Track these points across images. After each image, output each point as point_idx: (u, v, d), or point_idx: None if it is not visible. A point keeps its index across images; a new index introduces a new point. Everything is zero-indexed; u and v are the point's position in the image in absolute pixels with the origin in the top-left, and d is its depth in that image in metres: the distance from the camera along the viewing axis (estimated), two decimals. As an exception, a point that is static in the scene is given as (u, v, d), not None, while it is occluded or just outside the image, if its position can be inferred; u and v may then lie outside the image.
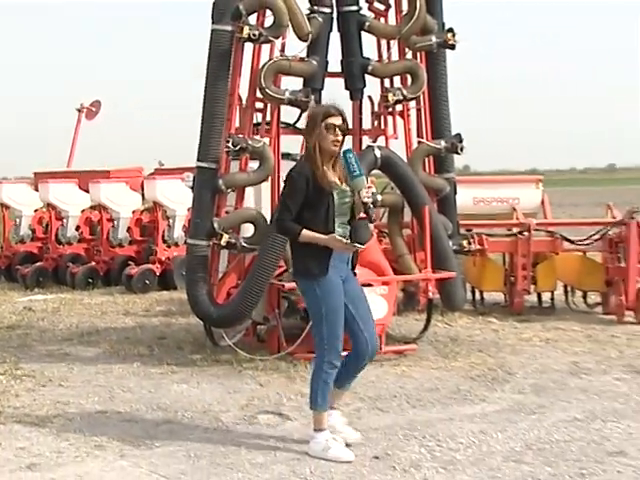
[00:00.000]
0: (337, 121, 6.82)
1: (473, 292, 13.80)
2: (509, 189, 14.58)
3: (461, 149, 11.08)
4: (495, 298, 13.99)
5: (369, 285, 10.10)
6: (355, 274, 7.16)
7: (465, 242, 11.47)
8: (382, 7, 11.18)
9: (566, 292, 13.93)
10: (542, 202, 14.68)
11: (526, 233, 13.07)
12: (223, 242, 10.07)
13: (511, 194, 14.37)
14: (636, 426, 7.68)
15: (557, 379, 9.37)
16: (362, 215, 6.94)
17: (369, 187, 6.75)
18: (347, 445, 7.03)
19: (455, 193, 11.46)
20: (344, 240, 6.73)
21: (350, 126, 6.93)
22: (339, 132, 6.81)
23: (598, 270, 13.29)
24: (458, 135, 11.12)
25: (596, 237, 13.23)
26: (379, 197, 6.87)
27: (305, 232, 6.78)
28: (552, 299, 13.82)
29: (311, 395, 7.06)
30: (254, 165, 10.31)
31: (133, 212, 17.88)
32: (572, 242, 13.35)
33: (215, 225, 10.09)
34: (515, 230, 13.36)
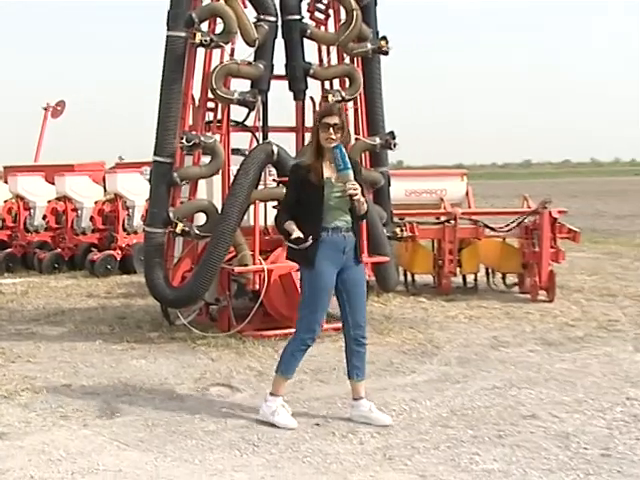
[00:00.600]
0: (332, 120, 6.76)
1: (405, 275, 13.83)
2: (437, 182, 14.64)
3: (394, 145, 11.17)
4: (425, 280, 14.05)
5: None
6: (360, 265, 7.10)
7: (398, 230, 11.54)
8: (322, 16, 11.19)
9: (487, 274, 14.06)
10: (466, 193, 14.76)
11: (452, 221, 13.15)
12: (178, 230, 10.02)
13: (439, 186, 14.42)
14: (547, 392, 7.82)
15: (479, 352, 9.45)
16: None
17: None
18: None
19: (389, 185, 11.51)
20: (296, 232, 6.70)
21: (341, 124, 6.76)
22: (332, 130, 6.74)
23: (515, 254, 13.42)
24: (391, 132, 11.20)
25: (514, 225, 13.35)
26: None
27: (287, 223, 6.82)
28: (475, 280, 13.90)
29: (279, 361, 7.10)
30: (206, 159, 10.27)
31: (95, 203, 17.79)
32: (493, 229, 13.45)
33: (170, 214, 10.05)
34: (443, 219, 13.42)
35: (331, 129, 6.75)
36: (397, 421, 7.04)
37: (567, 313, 11.75)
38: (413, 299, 12.87)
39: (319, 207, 6.78)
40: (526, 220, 13.20)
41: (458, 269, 13.51)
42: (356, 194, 6.67)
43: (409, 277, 13.94)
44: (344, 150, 6.74)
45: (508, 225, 13.45)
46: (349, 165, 6.68)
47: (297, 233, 6.73)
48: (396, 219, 12.13)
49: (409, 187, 14.35)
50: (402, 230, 11.82)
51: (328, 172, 6.83)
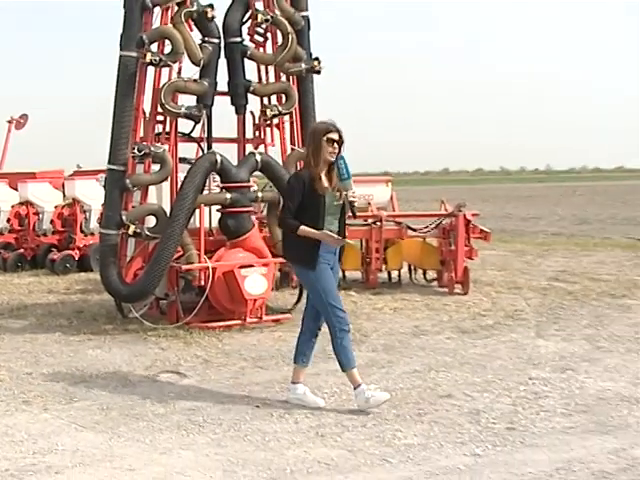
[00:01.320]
0: (335, 136, 6.79)
1: (336, 271, 13.86)
2: (365, 187, 14.63)
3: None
4: (354, 276, 14.08)
5: (251, 266, 10.15)
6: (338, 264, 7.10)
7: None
8: (261, 39, 11.18)
9: (410, 270, 14.13)
10: (391, 198, 14.82)
11: (378, 223, 13.21)
12: (130, 231, 10.01)
13: (366, 192, 14.43)
14: (461, 374, 7.89)
15: (402, 339, 9.51)
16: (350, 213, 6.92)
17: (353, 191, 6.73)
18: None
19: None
20: (335, 235, 6.73)
21: (340, 139, 6.81)
22: (336, 145, 6.79)
23: (434, 252, 13.51)
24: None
25: (433, 226, 13.45)
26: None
27: (303, 227, 6.76)
28: (399, 276, 13.98)
29: (338, 359, 6.96)
30: (156, 167, 10.23)
31: (55, 207, 17.60)
32: (414, 230, 13.54)
33: (123, 217, 10.01)
34: (370, 221, 13.45)
35: (335, 144, 6.78)
36: (329, 402, 7.06)
37: (479, 304, 11.85)
38: (344, 293, 12.79)
39: (320, 213, 6.79)
40: (444, 222, 13.30)
41: (384, 266, 13.55)
42: (356, 200, 6.79)
43: (340, 273, 13.96)
44: (347, 162, 6.75)
45: (428, 226, 13.54)
46: (351, 176, 6.72)
47: (332, 235, 6.74)
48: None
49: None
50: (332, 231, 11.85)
51: (327, 182, 6.84)
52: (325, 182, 6.85)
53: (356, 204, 6.82)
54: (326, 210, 6.83)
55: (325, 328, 7.00)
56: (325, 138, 6.79)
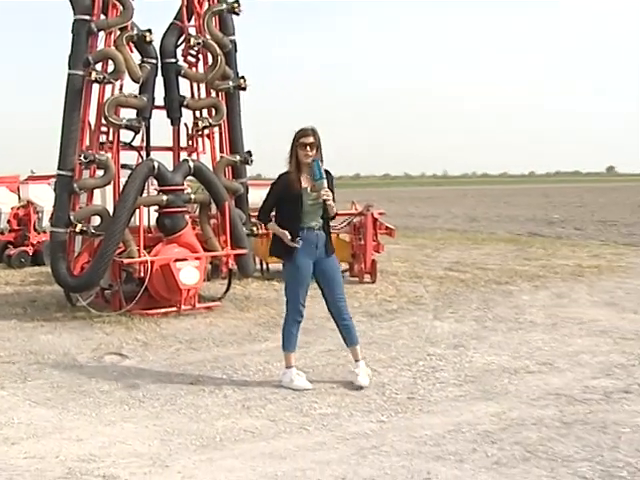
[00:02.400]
0: (307, 140, 6.63)
1: (261, 263, 13.85)
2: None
3: (251, 161, 11.31)
4: (277, 267, 14.06)
5: (185, 260, 10.10)
6: (333, 256, 6.97)
7: (255, 228, 11.61)
8: (193, 60, 11.18)
9: (325, 262, 14.15)
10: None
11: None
12: (77, 230, 9.87)
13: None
14: (369, 352, 7.92)
15: (318, 323, 9.49)
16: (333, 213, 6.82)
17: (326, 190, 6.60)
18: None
19: (247, 193, 11.56)
20: (287, 237, 6.63)
21: (315, 143, 6.68)
22: (309, 149, 6.64)
23: (347, 247, 13.53)
24: (249, 151, 11.31)
25: (345, 224, 13.51)
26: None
27: (271, 224, 6.86)
28: (316, 267, 13.99)
29: (282, 341, 6.96)
30: (100, 173, 10.13)
31: (12, 208, 17.28)
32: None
33: (71, 217, 9.89)
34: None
35: (307, 147, 6.65)
36: (254, 379, 7.07)
37: (385, 291, 11.93)
38: (268, 283, 12.89)
39: (298, 211, 6.69)
40: (354, 220, 13.36)
41: (302, 258, 13.57)
42: (329, 199, 6.61)
43: (264, 265, 13.96)
44: (320, 163, 6.63)
45: (341, 224, 13.60)
46: (324, 176, 6.58)
47: (287, 236, 6.66)
48: (254, 220, 12.15)
49: (264, 194, 14.28)
50: (258, 228, 11.89)
51: (305, 183, 6.74)
52: (305, 182, 6.74)
53: (329, 203, 6.65)
54: (303, 208, 6.71)
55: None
56: (299, 142, 6.67)
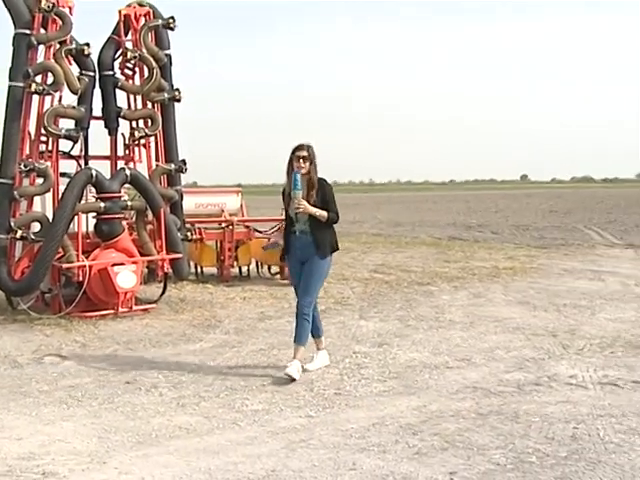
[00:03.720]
0: (301, 154, 6.94)
1: (196, 267, 13.78)
2: (219, 197, 14.61)
3: (185, 170, 11.31)
4: (211, 271, 14.03)
5: (122, 264, 10.01)
6: (320, 257, 7.07)
7: (189, 233, 11.61)
8: (130, 72, 11.12)
9: (257, 266, 14.18)
10: (241, 206, 14.80)
11: (230, 227, 13.22)
12: (18, 235, 9.71)
13: (220, 200, 14.39)
14: (266, 347, 8.09)
15: (250, 324, 9.53)
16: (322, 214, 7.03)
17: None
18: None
19: (182, 200, 11.52)
20: (275, 235, 7.65)
21: (308, 157, 6.98)
22: (302, 161, 6.92)
23: (277, 251, 13.54)
24: (183, 160, 11.31)
25: (276, 229, 13.48)
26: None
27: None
28: (248, 271, 13.99)
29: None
30: (40, 181, 9.96)
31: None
32: (260, 232, 13.60)
33: (12, 223, 9.72)
34: (223, 225, 13.44)
35: (301, 160, 6.93)
36: (188, 377, 7.02)
37: (314, 293, 11.94)
38: (202, 286, 12.82)
39: (289, 217, 7.14)
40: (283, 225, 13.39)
41: (235, 262, 13.57)
42: (300, 208, 6.89)
43: (199, 269, 13.90)
44: (298, 176, 6.87)
45: (272, 229, 13.61)
46: (299, 187, 6.86)
47: (279, 234, 7.51)
48: (188, 225, 12.13)
49: (198, 201, 14.24)
50: (192, 234, 11.90)
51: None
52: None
53: (299, 211, 6.92)
54: (290, 214, 7.09)
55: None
56: (294, 155, 6.97)
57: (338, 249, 7.38)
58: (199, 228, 13.02)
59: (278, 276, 13.83)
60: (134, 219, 11.02)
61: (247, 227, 13.67)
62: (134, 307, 10.23)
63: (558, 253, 17.98)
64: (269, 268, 14.17)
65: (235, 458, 4.96)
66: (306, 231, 7.04)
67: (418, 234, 25.44)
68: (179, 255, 10.70)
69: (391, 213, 44.58)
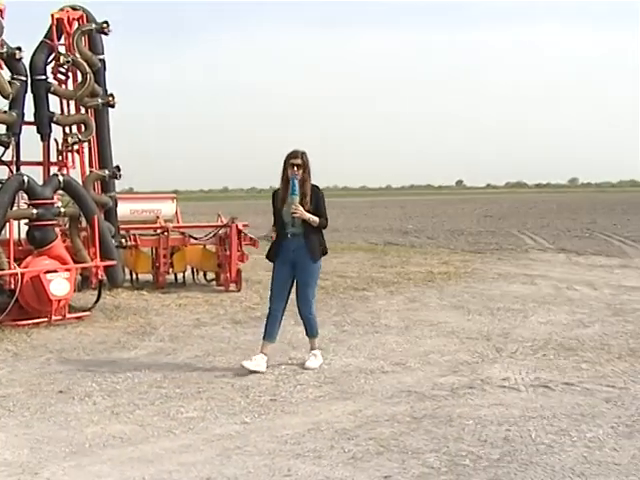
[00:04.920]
0: (296, 161, 7.27)
1: (131, 274, 13.63)
2: (154, 203, 14.48)
3: (120, 176, 11.23)
4: (146, 277, 13.89)
5: (56, 271, 9.86)
6: (312, 261, 7.44)
7: (124, 240, 11.51)
8: (63, 77, 11.01)
9: (193, 272, 14.10)
10: (176, 212, 14.70)
11: (165, 233, 13.10)
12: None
13: (155, 207, 14.27)
14: (234, 358, 7.96)
15: (185, 330, 9.47)
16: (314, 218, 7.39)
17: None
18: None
19: (116, 206, 11.43)
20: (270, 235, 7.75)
21: (302, 164, 7.33)
22: (296, 168, 7.26)
23: (213, 257, 13.54)
24: (117, 166, 11.22)
25: (211, 235, 13.49)
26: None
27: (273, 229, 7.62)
28: (183, 277, 13.87)
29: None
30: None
31: None
32: (196, 239, 13.51)
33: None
34: (159, 231, 13.33)
35: (295, 167, 7.28)
36: (123, 385, 6.94)
37: (250, 299, 11.94)
38: (137, 292, 12.69)
39: (280, 220, 7.44)
40: (220, 231, 13.35)
41: (171, 269, 13.46)
42: (296, 213, 7.25)
43: (134, 276, 13.75)
44: (296, 183, 7.24)
45: (207, 235, 13.57)
46: (297, 192, 7.23)
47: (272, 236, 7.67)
48: (123, 232, 12.03)
49: (133, 207, 14.12)
50: (127, 240, 11.80)
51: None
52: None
53: (296, 215, 7.28)
54: (284, 218, 7.39)
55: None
56: (289, 162, 7.30)
57: (327, 253, 7.69)
58: (134, 235, 12.88)
59: (214, 283, 13.77)
60: (67, 226, 10.89)
61: (182, 234, 13.57)
62: (68, 315, 10.08)
63: (492, 257, 18.27)
64: (205, 275, 14.11)
65: (170, 466, 4.93)
66: (299, 234, 7.40)
67: (355, 239, 25.58)
68: (113, 262, 10.59)
69: (331, 220, 44.66)
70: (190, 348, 8.51)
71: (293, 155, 7.33)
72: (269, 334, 7.54)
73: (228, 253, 13.00)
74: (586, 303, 11.24)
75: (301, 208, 7.27)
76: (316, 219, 7.38)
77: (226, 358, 7.96)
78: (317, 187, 7.45)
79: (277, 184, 7.49)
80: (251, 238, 13.36)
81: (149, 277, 13.70)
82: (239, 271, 12.98)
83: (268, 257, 7.65)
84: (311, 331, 7.69)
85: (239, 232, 13.06)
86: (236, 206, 64.55)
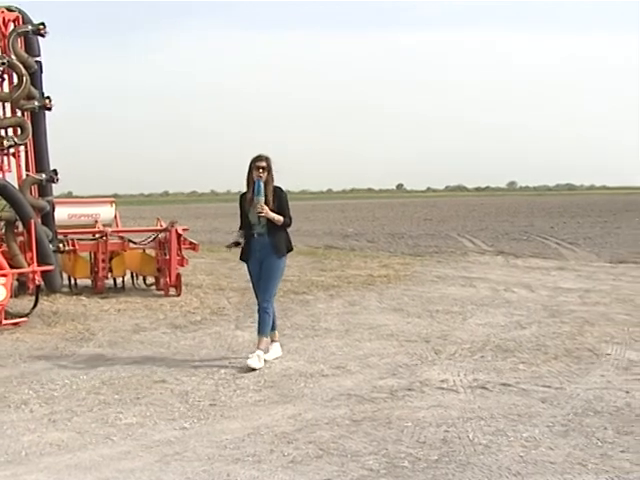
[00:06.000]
0: (260, 164, 7.69)
1: (69, 279, 13.44)
2: (92, 207, 14.30)
3: (57, 180, 11.07)
4: (85, 283, 13.70)
5: (-10, 277, 9.69)
6: (277, 257, 7.86)
7: (61, 245, 11.35)
8: (-1, 79, 10.84)
9: (132, 277, 13.96)
10: (115, 216, 14.54)
11: (104, 238, 12.95)
12: None
13: (94, 211, 14.09)
14: (174, 362, 7.92)
15: (124, 336, 9.37)
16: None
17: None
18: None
19: (54, 210, 11.27)
20: (241, 240, 7.98)
21: (267, 167, 7.74)
22: (261, 171, 7.68)
23: (152, 261, 13.41)
24: (54, 170, 11.06)
25: (150, 239, 13.38)
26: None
27: (239, 233, 8.01)
28: (123, 282, 13.71)
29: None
30: None
31: None
32: (135, 243, 13.36)
33: None
34: (97, 235, 13.17)
35: (260, 170, 7.69)
36: (60, 392, 6.84)
37: (190, 303, 11.86)
38: (75, 298, 12.51)
39: (246, 221, 7.88)
40: (159, 236, 13.25)
41: (110, 274, 13.30)
42: (261, 212, 7.65)
43: (72, 281, 13.56)
44: (261, 184, 7.66)
45: (147, 239, 13.45)
46: (262, 194, 7.65)
47: (237, 239, 8.03)
48: (61, 236, 11.85)
49: (71, 212, 13.92)
50: (64, 245, 11.64)
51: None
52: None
53: (262, 215, 7.68)
54: (250, 219, 7.81)
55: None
56: (254, 165, 7.71)
57: (292, 249, 8.19)
58: (72, 239, 12.71)
59: (153, 287, 13.66)
60: (3, 230, 10.71)
61: (121, 238, 13.41)
62: (4, 321, 9.90)
63: (432, 260, 18.45)
64: (144, 279, 13.97)
65: (108, 474, 4.87)
66: (264, 233, 7.81)
67: (295, 243, 25.34)
68: (51, 267, 10.44)
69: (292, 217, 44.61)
70: (129, 354, 8.43)
71: (258, 158, 7.74)
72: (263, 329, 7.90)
73: (168, 257, 12.90)
74: (523, 305, 11.43)
75: (266, 208, 7.67)
76: (280, 218, 7.78)
77: (165, 363, 7.90)
78: (280, 188, 7.88)
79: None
80: (191, 242, 13.29)
81: (88, 282, 13.51)
82: (179, 275, 12.89)
83: (242, 258, 8.03)
84: (262, 329, 7.89)
85: (179, 236, 12.97)
86: (176, 210, 64.16)
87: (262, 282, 7.87)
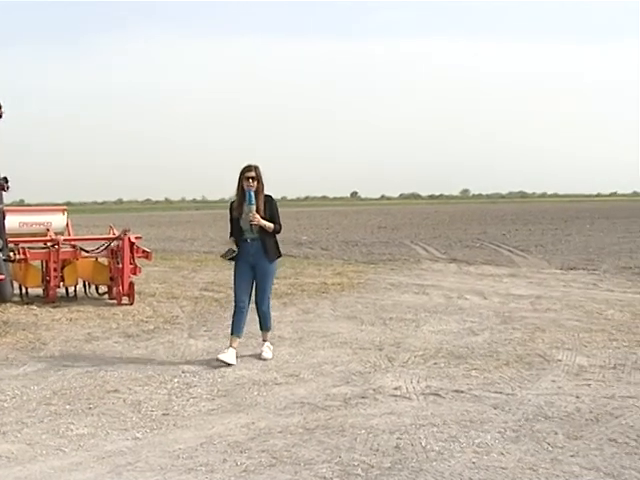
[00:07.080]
0: (250, 174, 8.09)
1: (20, 288, 13.25)
2: (44, 216, 14.13)
3: (8, 187, 10.85)
4: (36, 292, 13.51)
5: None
6: (269, 261, 8.33)
7: (12, 253, 11.18)
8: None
9: (85, 285, 13.81)
10: (67, 225, 14.38)
11: (56, 246, 12.80)
12: None
13: (46, 219, 13.93)
14: (126, 372, 7.84)
15: (76, 345, 9.26)
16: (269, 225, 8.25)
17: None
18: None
19: (4, 218, 11.06)
20: (227, 249, 8.39)
21: (256, 176, 8.12)
22: (251, 181, 8.08)
23: (105, 270, 13.29)
24: (5, 178, 10.85)
25: (103, 248, 13.25)
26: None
27: (230, 240, 8.39)
28: (75, 291, 13.57)
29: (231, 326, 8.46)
30: None
31: None
32: (87, 251, 13.21)
33: None
34: (49, 244, 13.01)
35: (250, 180, 8.08)
36: (10, 403, 6.75)
37: (143, 312, 11.76)
38: (27, 307, 12.34)
39: (237, 228, 8.26)
40: (112, 244, 13.14)
41: (62, 283, 13.15)
42: (254, 220, 8.06)
43: (23, 290, 13.37)
44: (252, 194, 8.05)
45: (99, 248, 13.32)
46: (253, 202, 8.04)
47: (231, 247, 8.33)
48: (11, 245, 11.67)
49: (22, 220, 13.75)
50: (15, 254, 11.47)
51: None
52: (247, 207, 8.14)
53: (254, 222, 8.08)
54: (242, 226, 8.19)
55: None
56: (244, 175, 8.09)
57: (281, 255, 8.55)
58: (23, 248, 12.54)
59: (106, 296, 13.53)
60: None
61: (74, 246, 13.26)
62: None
63: (385, 268, 18.54)
64: (97, 288, 13.83)
65: (58, 485, 4.81)
66: (256, 239, 8.22)
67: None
68: (1, 276, 10.27)
69: (223, 231, 44.46)
70: (81, 363, 8.32)
71: (247, 169, 8.11)
72: (237, 329, 8.34)
73: (120, 266, 12.79)
74: (476, 312, 11.54)
75: (258, 216, 8.09)
76: (271, 225, 8.22)
77: (118, 373, 7.82)
78: (270, 197, 8.29)
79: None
80: (144, 250, 13.19)
81: (39, 291, 13.33)
82: (132, 284, 12.78)
83: (231, 258, 8.35)
84: (266, 325, 8.61)
85: (132, 244, 12.86)
86: (131, 218, 63.66)
87: (259, 286, 8.35)
